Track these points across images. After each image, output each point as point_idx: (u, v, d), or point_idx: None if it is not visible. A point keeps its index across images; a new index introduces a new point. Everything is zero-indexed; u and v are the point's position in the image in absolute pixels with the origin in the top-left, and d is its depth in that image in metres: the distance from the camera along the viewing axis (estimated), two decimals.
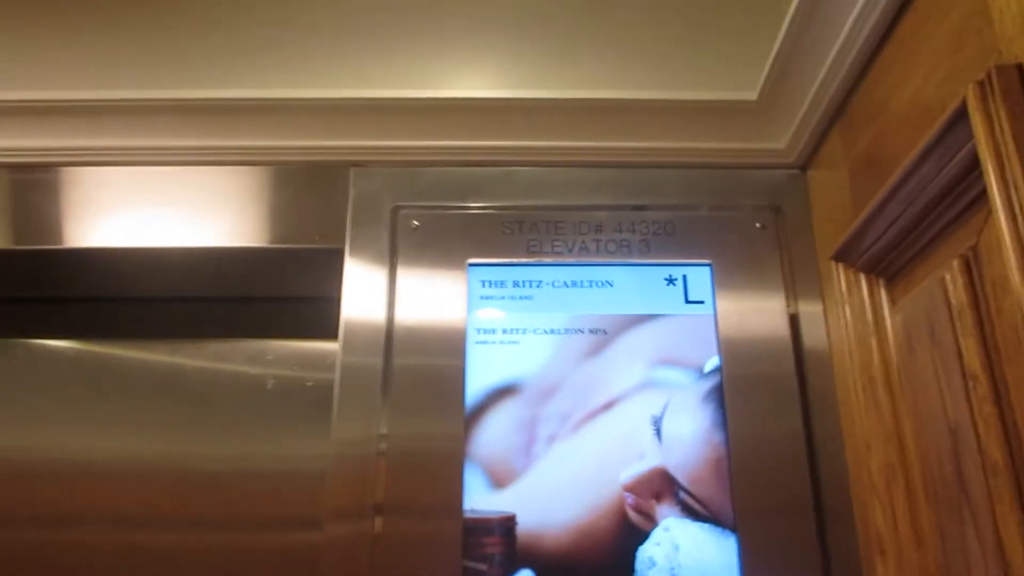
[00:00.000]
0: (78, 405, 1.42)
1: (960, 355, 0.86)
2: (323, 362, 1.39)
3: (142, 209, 1.33)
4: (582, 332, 1.25)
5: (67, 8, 1.49)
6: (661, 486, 1.17)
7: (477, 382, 1.22)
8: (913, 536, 0.97)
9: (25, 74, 1.45)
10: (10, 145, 1.36)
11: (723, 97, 1.35)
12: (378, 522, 1.14)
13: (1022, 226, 0.73)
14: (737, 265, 1.29)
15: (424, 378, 1.22)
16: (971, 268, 0.87)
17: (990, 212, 0.78)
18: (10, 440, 1.40)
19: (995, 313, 0.83)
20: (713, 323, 1.26)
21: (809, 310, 1.27)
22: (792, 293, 1.28)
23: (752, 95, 1.34)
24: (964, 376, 0.86)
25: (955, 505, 0.88)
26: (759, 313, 1.27)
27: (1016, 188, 0.74)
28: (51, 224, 1.34)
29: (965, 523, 0.85)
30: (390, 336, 1.23)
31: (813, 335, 1.25)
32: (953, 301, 0.88)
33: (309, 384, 1.41)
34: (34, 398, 1.43)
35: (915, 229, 0.99)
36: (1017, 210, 0.74)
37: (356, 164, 1.35)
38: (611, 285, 1.29)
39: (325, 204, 1.33)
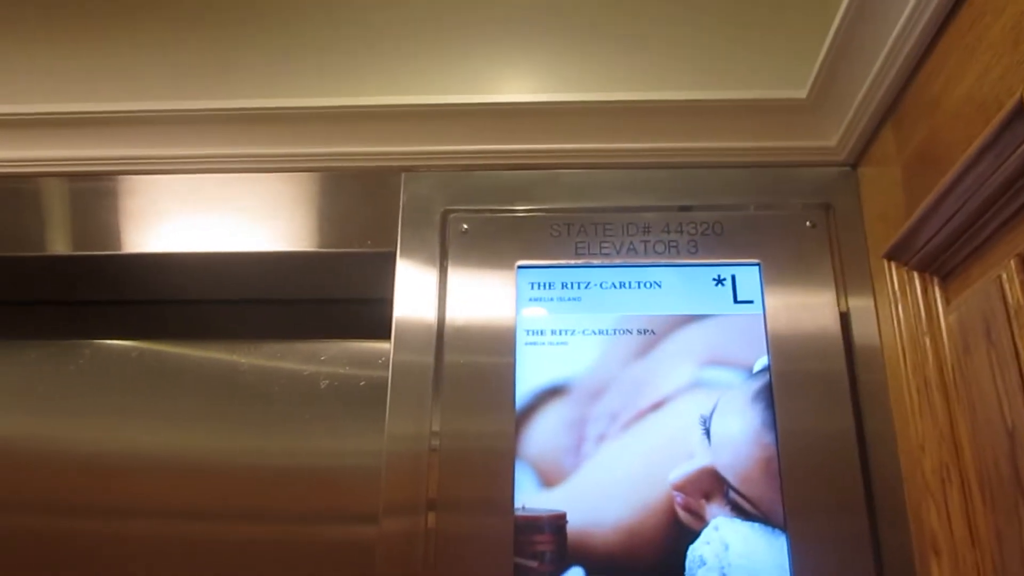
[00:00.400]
0: (143, 403, 1.48)
1: (1018, 355, 0.85)
2: (375, 362, 1.43)
3: (200, 215, 1.38)
4: (630, 333, 1.26)
5: (127, 21, 1.56)
6: (711, 485, 1.18)
7: (527, 383, 1.24)
8: (968, 536, 0.96)
9: (84, 86, 1.51)
10: (69, 155, 1.42)
11: (772, 96, 1.34)
12: (431, 517, 1.16)
13: None
14: (786, 264, 1.29)
15: (474, 376, 1.24)
16: None
17: None
18: (79, 436, 1.46)
19: None
20: (762, 322, 1.26)
21: (860, 308, 1.26)
22: (843, 291, 1.27)
23: (802, 93, 1.33)
24: (1022, 377, 0.85)
25: (1012, 505, 0.87)
26: (809, 312, 1.26)
27: None
28: (115, 230, 1.39)
29: (1023, 523, 0.84)
30: (441, 334, 1.26)
31: (864, 333, 1.24)
32: (1010, 300, 0.87)
33: (362, 384, 1.44)
34: (100, 396, 1.49)
35: (971, 227, 0.98)
36: None
37: (407, 169, 1.38)
38: (659, 286, 1.29)
39: (377, 208, 1.36)
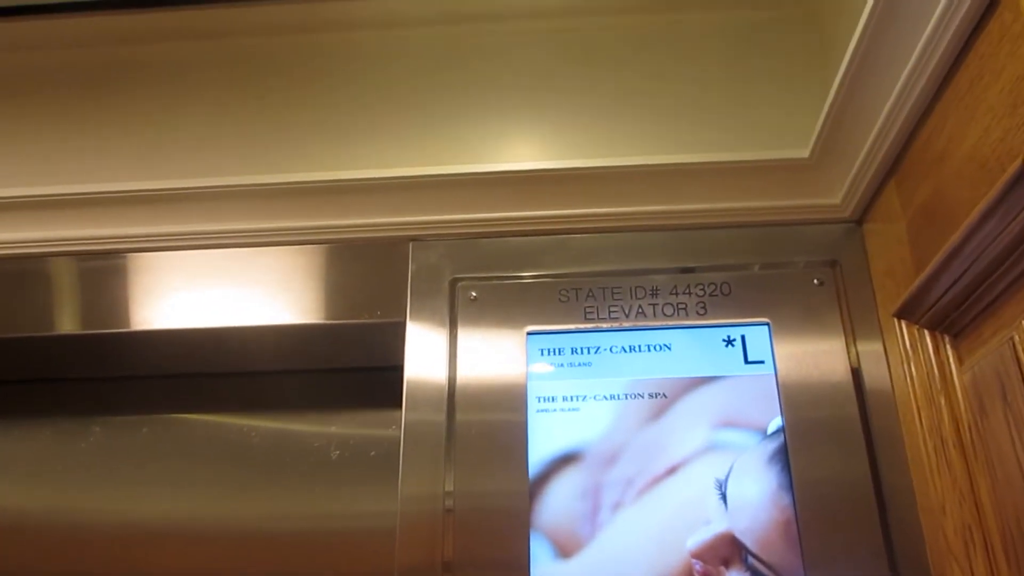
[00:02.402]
0: (155, 476, 1.48)
1: None
2: (387, 429, 1.43)
3: (210, 290, 1.39)
4: (642, 397, 1.26)
5: (130, 100, 1.59)
6: (729, 552, 1.16)
7: (539, 450, 1.23)
8: None
9: (86, 166, 1.54)
10: (76, 235, 1.44)
11: (775, 157, 1.35)
12: None
13: None
14: (796, 322, 1.29)
15: (487, 434, 1.24)
16: None
17: None
18: (93, 510, 1.46)
19: None
20: (774, 382, 1.25)
21: (872, 365, 1.25)
22: (854, 348, 1.27)
23: (804, 152, 1.34)
24: None
25: None
26: (820, 369, 1.25)
27: None
28: (120, 308, 1.40)
29: None
30: (452, 394, 1.26)
31: (877, 390, 1.23)
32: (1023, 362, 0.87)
33: (373, 454, 1.44)
34: (113, 471, 1.49)
35: (980, 286, 0.98)
36: None
37: (415, 239, 1.39)
38: (669, 348, 1.29)
39: (386, 279, 1.37)
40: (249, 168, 1.48)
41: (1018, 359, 0.88)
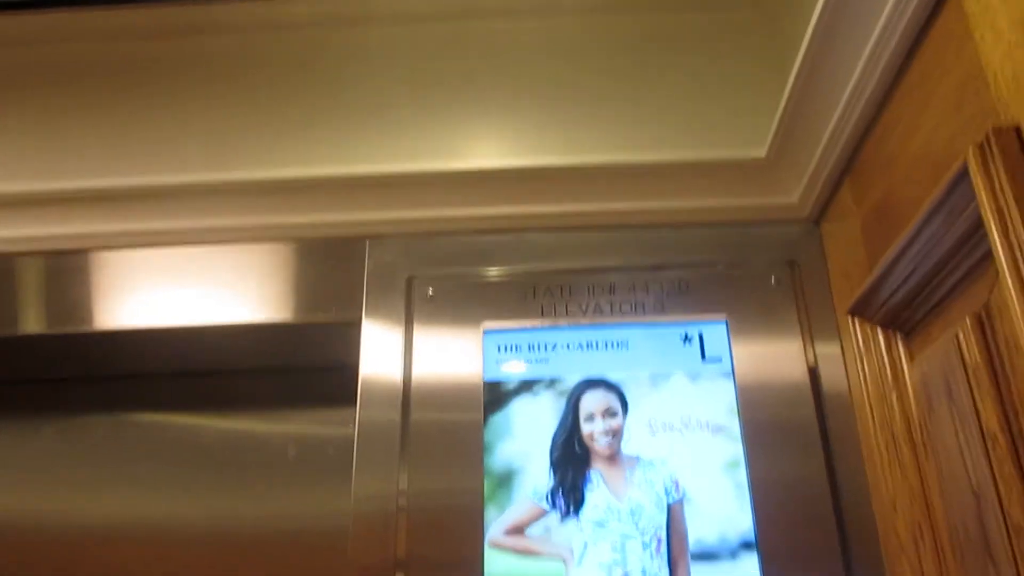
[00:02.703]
0: (112, 476, 1.46)
1: (978, 414, 0.85)
2: (346, 427, 1.41)
3: (166, 289, 1.37)
4: (599, 393, 1.25)
5: (89, 100, 1.56)
6: (681, 546, 1.16)
7: (496, 448, 1.22)
8: None
9: (50, 164, 1.50)
10: (41, 233, 1.41)
11: (732, 156, 1.36)
12: None
13: None
14: (753, 320, 1.29)
15: (442, 433, 1.23)
16: (984, 326, 0.86)
17: (998, 273, 0.78)
18: (49, 510, 1.44)
19: (1010, 372, 0.82)
20: (731, 379, 1.25)
21: (828, 363, 1.26)
22: (810, 346, 1.28)
23: (761, 152, 1.35)
24: (983, 435, 0.84)
25: (982, 566, 0.86)
26: (777, 367, 1.26)
27: (1021, 248, 0.74)
28: (82, 307, 1.38)
29: None
30: (407, 393, 1.26)
31: (833, 387, 1.24)
32: (968, 359, 0.88)
33: (331, 452, 1.42)
34: (70, 471, 1.47)
35: (928, 285, 0.99)
36: (1023, 269, 0.73)
37: (371, 236, 1.38)
38: (627, 346, 1.29)
39: (342, 277, 1.35)
40: (205, 166, 1.45)
41: (962, 356, 0.88)
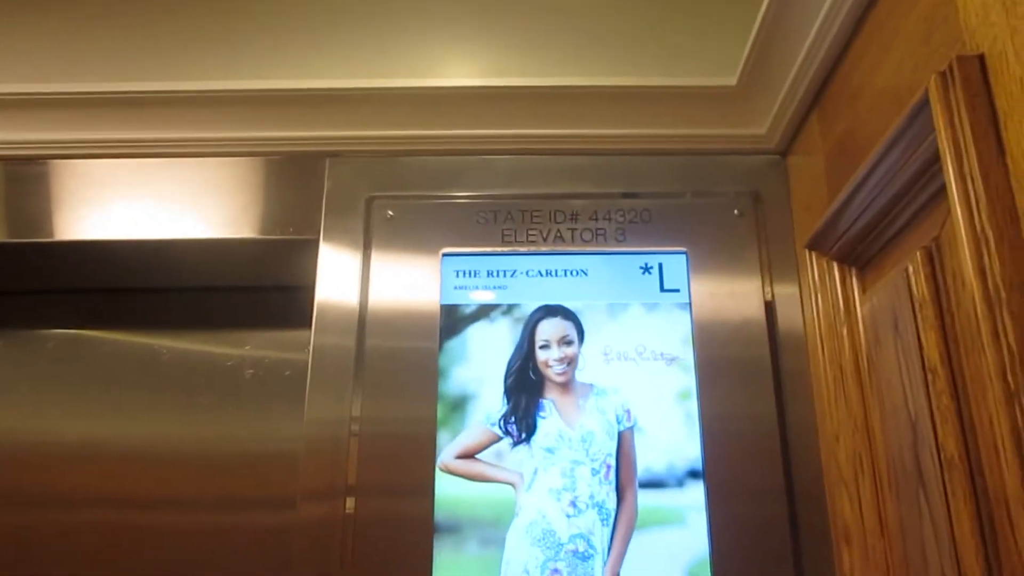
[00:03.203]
0: (61, 393, 1.44)
1: (921, 348, 0.86)
2: (301, 350, 1.40)
3: (123, 202, 1.34)
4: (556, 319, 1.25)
5: (53, 4, 1.49)
6: (629, 474, 1.18)
7: (451, 371, 1.22)
8: (878, 526, 0.97)
9: (12, 68, 1.45)
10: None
11: (703, 83, 1.33)
12: (350, 502, 1.15)
13: (979, 219, 0.72)
14: (713, 253, 1.28)
15: (397, 361, 1.23)
16: (933, 260, 0.86)
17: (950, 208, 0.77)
18: None
19: (955, 306, 0.82)
20: (688, 311, 1.25)
21: (785, 299, 1.26)
22: (768, 280, 1.27)
23: (731, 80, 1.32)
24: (924, 369, 0.85)
25: (914, 497, 0.87)
26: (735, 301, 1.26)
27: (973, 181, 0.73)
28: (40, 217, 1.34)
29: (923, 515, 0.85)
30: (363, 319, 1.24)
31: (788, 323, 1.25)
32: (916, 293, 0.88)
33: (287, 373, 1.42)
34: (20, 385, 1.45)
35: (884, 219, 0.98)
36: (974, 203, 0.73)
37: (331, 155, 1.35)
38: (586, 274, 1.28)
39: (300, 195, 1.32)
40: (162, 74, 1.40)
41: (911, 290, 0.88)
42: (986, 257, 0.70)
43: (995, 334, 0.69)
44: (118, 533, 1.36)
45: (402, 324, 1.25)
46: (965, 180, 0.74)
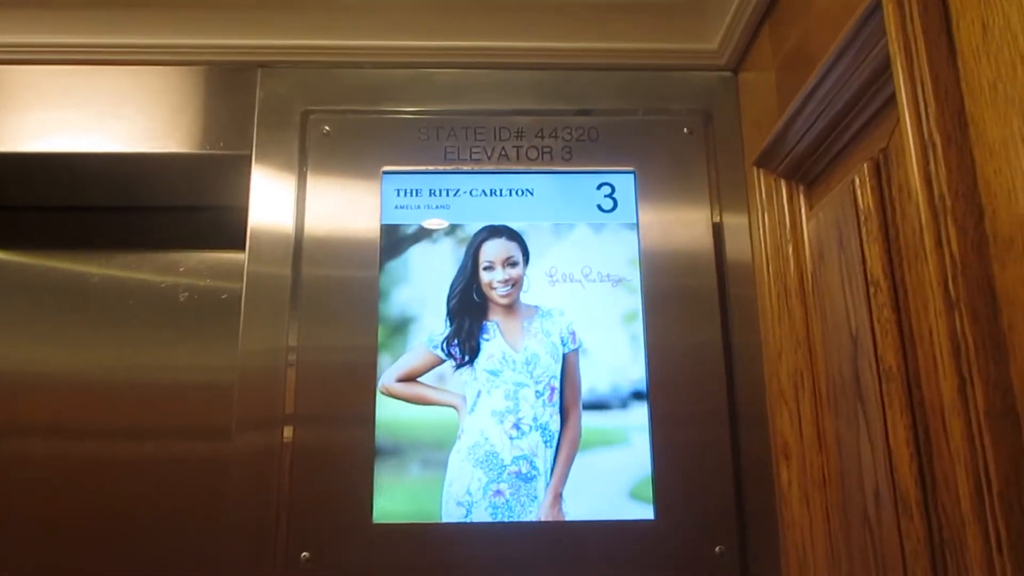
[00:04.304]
0: None
1: (865, 261, 0.85)
2: (235, 273, 1.35)
3: (36, 112, 1.24)
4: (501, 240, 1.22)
5: None
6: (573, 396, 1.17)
7: (392, 292, 1.18)
8: (816, 442, 0.98)
9: None
10: None
11: None
12: (287, 431, 1.12)
13: (927, 124, 0.70)
14: (662, 172, 1.25)
15: (335, 288, 1.18)
16: (880, 171, 0.84)
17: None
18: None
19: (900, 218, 0.80)
20: (635, 232, 1.23)
21: (733, 219, 1.24)
22: (717, 202, 1.25)
23: None
24: (867, 282, 0.84)
25: (852, 411, 0.87)
26: (683, 222, 1.23)
27: (923, 84, 0.71)
28: None
29: (860, 429, 0.85)
30: (299, 245, 1.19)
31: (736, 245, 1.23)
32: (861, 206, 0.86)
33: (223, 296, 1.36)
34: None
35: (832, 132, 0.96)
36: (923, 107, 0.70)
37: (263, 65, 1.27)
38: (531, 193, 1.24)
39: (230, 107, 1.25)
40: None
41: (856, 203, 0.87)
42: (932, 163, 0.68)
43: (938, 243, 0.67)
44: (49, 463, 1.31)
45: (340, 247, 1.20)
46: (915, 84, 0.71)
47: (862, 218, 0.85)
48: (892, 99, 0.83)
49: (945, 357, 0.66)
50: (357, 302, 1.17)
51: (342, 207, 1.21)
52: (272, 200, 1.21)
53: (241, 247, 1.21)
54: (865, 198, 0.85)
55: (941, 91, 0.69)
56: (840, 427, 0.91)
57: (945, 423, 0.72)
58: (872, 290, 0.83)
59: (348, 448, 1.13)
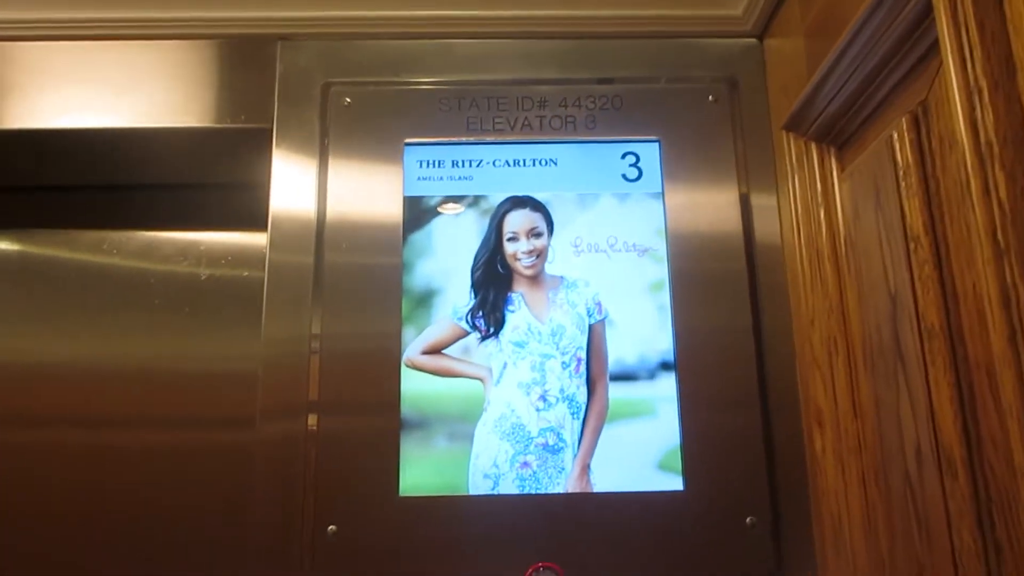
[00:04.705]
0: (5, 302, 1.36)
1: (904, 217, 0.83)
2: (257, 254, 1.34)
3: (52, 89, 1.24)
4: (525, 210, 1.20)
5: None
6: (600, 368, 1.15)
7: (416, 265, 1.17)
8: (851, 407, 0.96)
9: None
10: None
11: None
12: (312, 419, 1.11)
13: (972, 70, 0.68)
14: (687, 141, 1.23)
15: (358, 274, 1.16)
16: (919, 124, 0.82)
17: (942, 62, 0.72)
18: None
19: (940, 171, 0.78)
20: (661, 202, 1.21)
21: (761, 187, 1.22)
22: (744, 170, 1.23)
23: None
24: (906, 239, 0.82)
25: (891, 373, 0.85)
26: (709, 192, 1.21)
27: (968, 29, 0.69)
28: None
29: (900, 390, 0.83)
30: (321, 227, 1.18)
31: (764, 213, 1.21)
32: (899, 161, 0.84)
33: (245, 275, 1.36)
34: None
35: (866, 90, 0.94)
36: (967, 53, 0.68)
37: (283, 37, 1.26)
38: (555, 163, 1.23)
39: (250, 81, 1.24)
40: None
41: (894, 158, 0.84)
42: (979, 110, 0.66)
43: (985, 190, 0.65)
44: (68, 454, 1.30)
45: (363, 223, 1.18)
46: (959, 28, 0.69)
47: (900, 174, 0.83)
48: (931, 50, 0.81)
49: (995, 308, 0.64)
50: (381, 287, 1.16)
51: (364, 180, 1.20)
52: (293, 177, 1.20)
53: (261, 227, 1.20)
54: (904, 153, 0.82)
55: (987, 35, 0.67)
56: (878, 389, 0.89)
57: (992, 378, 0.70)
58: (912, 246, 0.80)
59: (374, 427, 1.11)
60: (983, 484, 0.72)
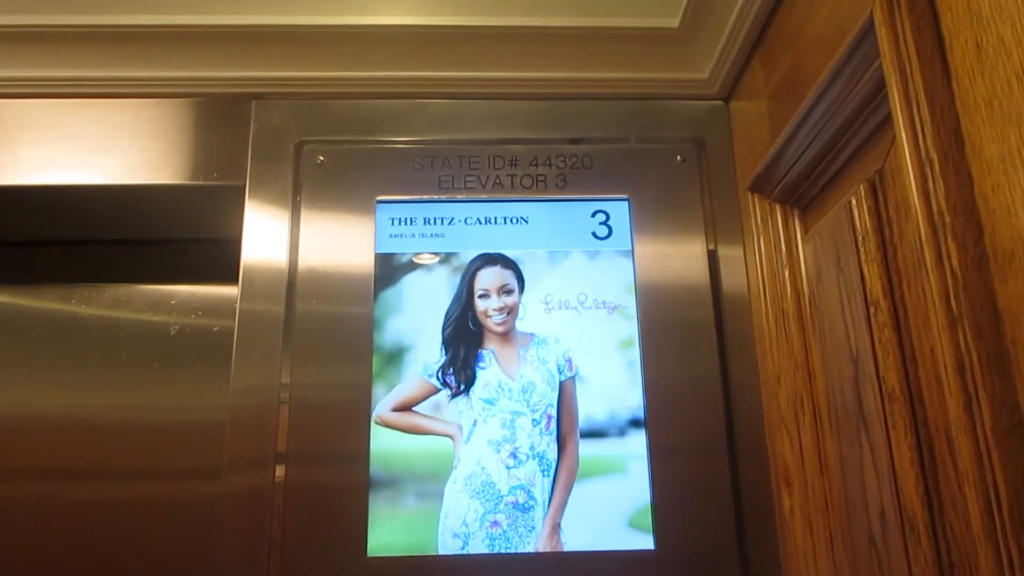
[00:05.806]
0: None
1: (864, 281, 0.84)
2: (228, 307, 1.34)
3: (27, 145, 1.24)
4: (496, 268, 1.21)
5: None
6: (571, 425, 1.15)
7: (387, 321, 1.17)
8: (818, 466, 0.97)
9: None
10: None
11: (644, 24, 1.29)
12: (280, 471, 1.10)
13: (923, 143, 0.70)
14: (656, 200, 1.26)
15: (329, 325, 1.16)
16: (877, 192, 0.84)
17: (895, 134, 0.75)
18: None
19: (898, 237, 0.80)
20: (630, 259, 1.22)
21: (728, 246, 1.24)
22: (712, 228, 1.25)
23: (674, 22, 1.29)
24: (867, 302, 0.84)
25: (855, 434, 0.87)
26: (677, 249, 1.23)
27: (919, 104, 0.71)
28: None
29: (864, 452, 0.84)
30: (292, 279, 1.18)
31: (732, 271, 1.23)
32: (859, 226, 0.86)
33: (215, 330, 1.35)
34: None
35: (827, 155, 0.97)
36: (919, 127, 0.71)
37: (257, 96, 1.27)
38: (526, 221, 1.24)
39: (225, 139, 1.25)
40: (75, 7, 1.29)
41: (853, 224, 0.87)
42: (931, 181, 0.69)
43: (939, 259, 0.67)
44: (35, 505, 1.28)
45: (334, 278, 1.18)
46: (911, 104, 0.72)
47: (860, 239, 0.85)
48: (886, 120, 0.84)
49: (950, 374, 0.65)
50: (351, 338, 1.16)
51: (336, 237, 1.20)
52: (266, 232, 1.20)
53: (233, 280, 1.20)
54: (862, 218, 0.85)
55: (937, 110, 0.69)
56: (843, 450, 0.90)
57: (950, 442, 0.71)
58: (872, 310, 0.82)
59: (342, 482, 1.10)
60: (945, 548, 0.72)
